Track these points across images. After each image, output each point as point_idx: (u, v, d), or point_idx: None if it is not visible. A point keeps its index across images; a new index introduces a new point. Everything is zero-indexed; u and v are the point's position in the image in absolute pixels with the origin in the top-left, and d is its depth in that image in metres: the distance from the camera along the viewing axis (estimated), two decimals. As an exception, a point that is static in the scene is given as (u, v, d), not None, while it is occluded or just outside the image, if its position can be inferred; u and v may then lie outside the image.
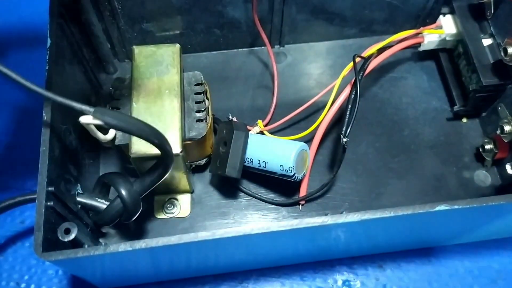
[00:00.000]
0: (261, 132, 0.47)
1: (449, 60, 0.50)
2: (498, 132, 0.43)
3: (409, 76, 0.52)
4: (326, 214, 0.32)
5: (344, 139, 0.40)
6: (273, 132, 0.47)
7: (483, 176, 0.47)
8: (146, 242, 0.30)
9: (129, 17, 0.47)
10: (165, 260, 0.38)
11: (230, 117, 0.48)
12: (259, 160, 0.42)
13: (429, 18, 0.51)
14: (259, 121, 0.47)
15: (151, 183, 0.35)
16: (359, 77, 0.42)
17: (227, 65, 0.52)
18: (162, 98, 0.39)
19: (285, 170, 0.41)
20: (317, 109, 0.48)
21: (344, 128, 0.40)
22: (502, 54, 0.40)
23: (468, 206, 0.32)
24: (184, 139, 0.39)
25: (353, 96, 0.42)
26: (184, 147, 0.38)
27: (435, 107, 0.50)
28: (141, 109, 0.39)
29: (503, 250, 0.46)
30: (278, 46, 0.53)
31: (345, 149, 0.41)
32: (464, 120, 0.49)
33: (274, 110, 0.49)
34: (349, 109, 0.41)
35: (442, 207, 0.32)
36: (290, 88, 0.51)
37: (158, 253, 0.33)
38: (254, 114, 0.49)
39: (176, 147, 0.37)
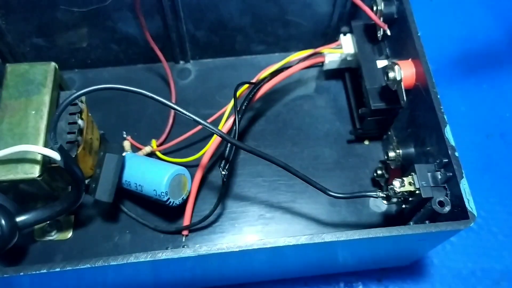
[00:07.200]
0: (153, 153, 0.46)
1: (353, 80, 0.48)
2: (385, 157, 0.42)
3: (315, 96, 0.51)
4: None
5: (223, 172, 0.38)
6: (168, 153, 0.46)
7: (379, 201, 0.45)
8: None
9: (16, 32, 0.45)
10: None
11: (125, 135, 0.47)
12: (136, 184, 0.40)
13: (336, 36, 0.50)
14: (153, 141, 0.46)
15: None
16: (238, 114, 0.41)
17: (128, 81, 0.50)
18: (27, 119, 0.37)
19: (158, 195, 0.39)
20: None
21: (223, 162, 0.39)
22: (385, 78, 0.39)
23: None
24: (48, 162, 0.37)
25: (233, 132, 0.40)
26: (53, 170, 0.37)
27: (338, 128, 0.49)
28: (4, 131, 0.37)
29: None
30: (183, 62, 0.51)
31: (224, 181, 0.39)
32: (366, 142, 0.48)
33: (171, 129, 0.48)
34: (228, 146, 0.39)
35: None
36: (192, 106, 0.49)
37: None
38: (151, 132, 0.47)
39: (34, 171, 0.36)
